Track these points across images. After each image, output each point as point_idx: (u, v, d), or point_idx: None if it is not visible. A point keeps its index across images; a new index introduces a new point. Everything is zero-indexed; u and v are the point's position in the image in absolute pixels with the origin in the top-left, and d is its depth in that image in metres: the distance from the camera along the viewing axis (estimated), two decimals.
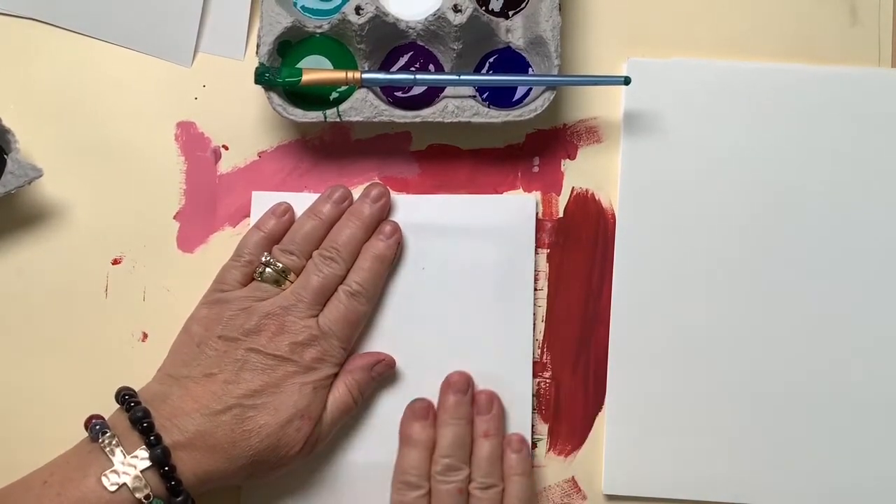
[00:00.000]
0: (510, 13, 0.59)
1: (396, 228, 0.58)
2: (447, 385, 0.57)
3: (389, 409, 0.58)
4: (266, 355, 0.54)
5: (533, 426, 0.59)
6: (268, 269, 0.55)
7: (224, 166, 0.60)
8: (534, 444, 0.59)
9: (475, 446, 0.57)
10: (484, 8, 0.58)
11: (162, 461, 0.50)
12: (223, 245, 0.59)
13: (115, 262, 0.60)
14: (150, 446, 0.51)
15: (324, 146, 0.60)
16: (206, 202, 0.60)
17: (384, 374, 0.57)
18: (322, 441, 0.55)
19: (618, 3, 0.60)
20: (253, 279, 0.56)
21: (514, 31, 0.59)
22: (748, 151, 0.59)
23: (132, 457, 0.50)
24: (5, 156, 0.56)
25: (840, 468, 0.59)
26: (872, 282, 0.59)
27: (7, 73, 0.60)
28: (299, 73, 0.56)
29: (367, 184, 0.58)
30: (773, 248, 0.59)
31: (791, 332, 0.59)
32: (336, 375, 0.56)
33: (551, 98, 0.57)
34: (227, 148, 0.60)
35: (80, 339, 0.59)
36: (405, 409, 0.57)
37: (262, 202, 0.59)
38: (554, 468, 0.59)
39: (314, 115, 0.57)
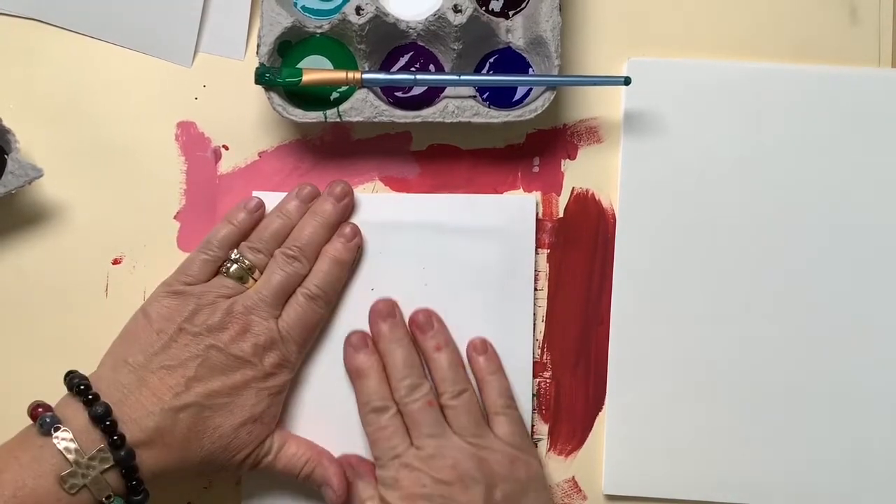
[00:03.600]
0: (510, 13, 0.59)
1: (357, 231, 0.57)
2: (374, 315, 0.57)
3: None
4: (228, 355, 0.53)
5: (533, 426, 0.59)
6: (234, 265, 0.55)
7: (224, 166, 0.60)
8: (534, 445, 0.59)
9: (431, 362, 0.57)
10: (484, 8, 0.58)
11: (126, 463, 0.49)
12: None
13: (116, 262, 0.60)
14: (115, 447, 0.49)
15: (324, 146, 0.60)
16: (206, 202, 0.60)
17: (325, 497, 0.56)
18: (263, 466, 0.55)
19: (618, 3, 0.60)
20: (218, 272, 0.56)
21: (514, 32, 0.59)
22: (748, 151, 0.59)
23: (91, 458, 0.49)
24: (6, 156, 0.56)
25: (839, 469, 0.59)
26: (873, 282, 0.59)
27: (7, 73, 0.60)
28: (300, 73, 0.56)
29: (333, 184, 0.58)
30: (772, 247, 0.59)
31: (791, 332, 0.59)
32: (290, 381, 0.56)
33: (551, 98, 0.57)
34: (227, 148, 0.60)
35: (80, 339, 0.59)
36: (343, 346, 0.57)
37: (263, 202, 0.59)
38: (554, 468, 0.59)
39: (314, 116, 0.57)
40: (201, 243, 0.56)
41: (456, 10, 0.56)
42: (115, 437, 0.49)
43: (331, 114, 0.57)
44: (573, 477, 0.60)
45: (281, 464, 0.55)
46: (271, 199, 0.58)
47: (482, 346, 0.58)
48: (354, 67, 0.58)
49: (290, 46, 0.58)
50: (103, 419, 0.50)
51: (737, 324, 0.59)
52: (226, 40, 0.60)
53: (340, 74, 0.57)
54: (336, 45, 0.59)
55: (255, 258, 0.56)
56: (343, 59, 0.59)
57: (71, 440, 0.49)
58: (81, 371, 0.53)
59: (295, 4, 0.59)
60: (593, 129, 0.60)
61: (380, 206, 0.59)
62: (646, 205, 0.59)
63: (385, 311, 0.57)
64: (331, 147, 0.60)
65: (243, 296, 0.55)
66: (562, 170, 0.60)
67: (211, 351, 0.53)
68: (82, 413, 0.50)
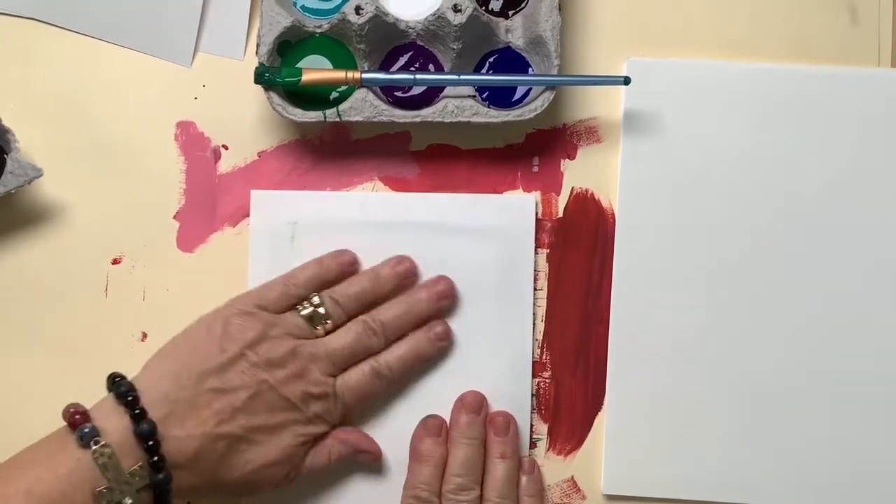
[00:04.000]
0: (510, 13, 0.59)
1: (448, 334, 0.58)
2: (460, 404, 0.57)
3: (390, 409, 0.58)
4: (278, 394, 0.53)
5: (532, 426, 0.59)
6: (311, 308, 0.55)
7: (224, 166, 0.60)
8: (533, 444, 0.59)
9: (490, 467, 0.56)
10: (484, 8, 0.58)
11: (163, 486, 0.49)
12: (223, 245, 0.59)
13: (115, 262, 0.60)
14: (155, 469, 0.49)
15: (323, 146, 0.60)
16: (205, 202, 0.60)
17: (364, 462, 0.57)
18: (294, 480, 0.55)
19: (618, 3, 0.60)
20: (293, 308, 0.55)
21: (513, 31, 0.59)
22: (748, 151, 0.59)
23: (131, 474, 0.48)
24: (5, 155, 0.56)
25: (839, 468, 0.59)
26: (872, 282, 0.59)
27: (7, 73, 0.60)
28: (299, 72, 0.56)
29: (435, 279, 0.58)
30: (772, 247, 0.59)
31: (791, 332, 0.59)
32: (326, 434, 0.56)
33: (551, 98, 0.57)
34: (226, 148, 0.60)
35: (80, 339, 0.59)
36: (417, 424, 0.57)
37: (262, 201, 0.59)
38: (553, 468, 0.59)
39: (314, 115, 0.57)
40: (286, 275, 0.56)
41: (455, 9, 0.56)
42: (156, 458, 0.49)
43: (330, 113, 0.57)
44: (572, 477, 0.59)
45: (307, 472, 0.55)
46: (272, 199, 0.58)
47: (530, 467, 0.58)
48: (354, 67, 0.58)
49: (289, 46, 0.58)
50: (148, 438, 0.49)
51: (736, 324, 0.59)
52: (225, 40, 0.60)
53: (340, 74, 0.57)
54: (336, 45, 0.59)
55: (334, 311, 0.55)
56: (342, 59, 0.59)
57: (110, 456, 0.48)
58: (84, 368, 0.52)
59: (294, 4, 0.59)
60: (593, 128, 0.60)
61: (379, 205, 0.59)
62: (645, 205, 0.59)
63: (472, 405, 0.57)
64: (330, 147, 0.60)
65: (312, 343, 0.54)
66: (561, 170, 0.60)
67: (262, 386, 0.52)
68: (124, 425, 0.49)
